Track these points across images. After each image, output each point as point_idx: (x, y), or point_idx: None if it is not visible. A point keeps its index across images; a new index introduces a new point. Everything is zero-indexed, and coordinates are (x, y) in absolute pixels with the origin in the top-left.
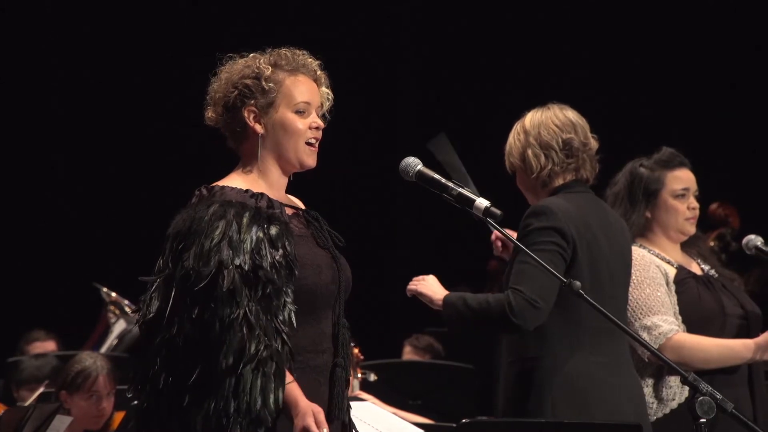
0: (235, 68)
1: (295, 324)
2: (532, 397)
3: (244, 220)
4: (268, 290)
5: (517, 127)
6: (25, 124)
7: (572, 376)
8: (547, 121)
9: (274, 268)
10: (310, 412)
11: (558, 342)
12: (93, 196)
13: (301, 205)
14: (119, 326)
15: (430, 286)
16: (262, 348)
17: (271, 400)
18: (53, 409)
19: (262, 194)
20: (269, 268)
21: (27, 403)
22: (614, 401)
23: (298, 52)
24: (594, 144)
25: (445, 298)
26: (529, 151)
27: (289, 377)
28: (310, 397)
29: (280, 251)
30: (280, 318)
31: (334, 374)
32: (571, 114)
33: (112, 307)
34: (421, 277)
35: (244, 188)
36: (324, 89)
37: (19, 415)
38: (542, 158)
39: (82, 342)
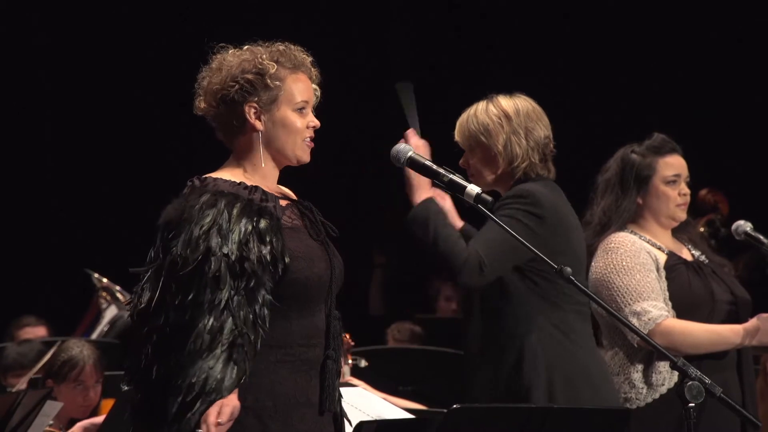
0: (234, 61)
1: (267, 321)
2: (525, 386)
3: (235, 210)
4: (251, 283)
5: (491, 108)
6: (15, 113)
7: (563, 363)
8: (531, 113)
9: (260, 263)
10: (217, 406)
11: (544, 328)
12: (84, 181)
13: (294, 196)
14: (110, 312)
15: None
16: (237, 334)
17: (232, 384)
18: (43, 394)
19: (256, 187)
20: (255, 261)
21: (16, 389)
22: (603, 388)
23: (293, 47)
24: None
25: (424, 203)
26: (514, 138)
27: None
28: (300, 390)
29: (267, 247)
30: (258, 311)
31: (325, 367)
32: (540, 108)
33: (103, 293)
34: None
35: (237, 181)
36: (314, 85)
37: (10, 401)
38: (526, 149)
39: (73, 328)
